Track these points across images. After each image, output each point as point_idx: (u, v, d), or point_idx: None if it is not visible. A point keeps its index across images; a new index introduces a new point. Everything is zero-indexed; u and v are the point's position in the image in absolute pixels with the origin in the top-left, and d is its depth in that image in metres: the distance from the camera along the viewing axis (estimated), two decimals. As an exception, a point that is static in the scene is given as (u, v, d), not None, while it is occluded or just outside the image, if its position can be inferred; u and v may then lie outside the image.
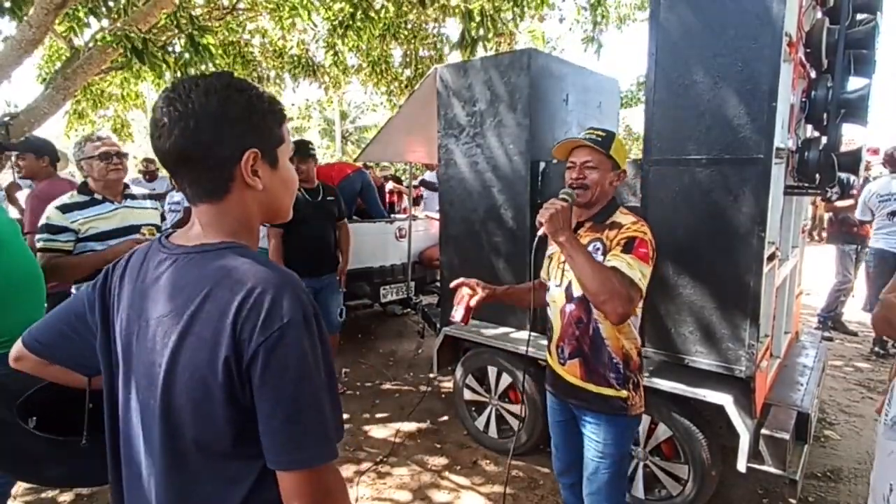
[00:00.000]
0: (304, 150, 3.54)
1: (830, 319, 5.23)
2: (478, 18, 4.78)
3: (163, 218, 2.59)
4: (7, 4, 3.53)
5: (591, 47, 5.94)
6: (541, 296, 1.90)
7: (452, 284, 1.84)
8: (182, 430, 0.77)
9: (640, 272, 1.54)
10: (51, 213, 2.17)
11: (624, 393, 1.69)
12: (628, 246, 1.58)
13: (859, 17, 2.43)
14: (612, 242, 1.63)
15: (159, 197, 6.03)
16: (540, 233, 1.61)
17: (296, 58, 7.56)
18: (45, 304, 1.87)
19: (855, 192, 4.71)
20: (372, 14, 5.72)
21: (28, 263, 1.78)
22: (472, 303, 1.79)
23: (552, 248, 1.85)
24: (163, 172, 7.28)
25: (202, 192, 0.82)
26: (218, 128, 0.78)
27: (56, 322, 0.97)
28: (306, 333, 0.74)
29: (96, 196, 2.26)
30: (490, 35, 4.92)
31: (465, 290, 1.82)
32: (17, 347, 0.97)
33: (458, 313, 1.80)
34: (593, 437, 1.74)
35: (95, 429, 1.02)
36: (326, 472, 0.76)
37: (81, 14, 4.95)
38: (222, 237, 0.83)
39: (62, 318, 0.96)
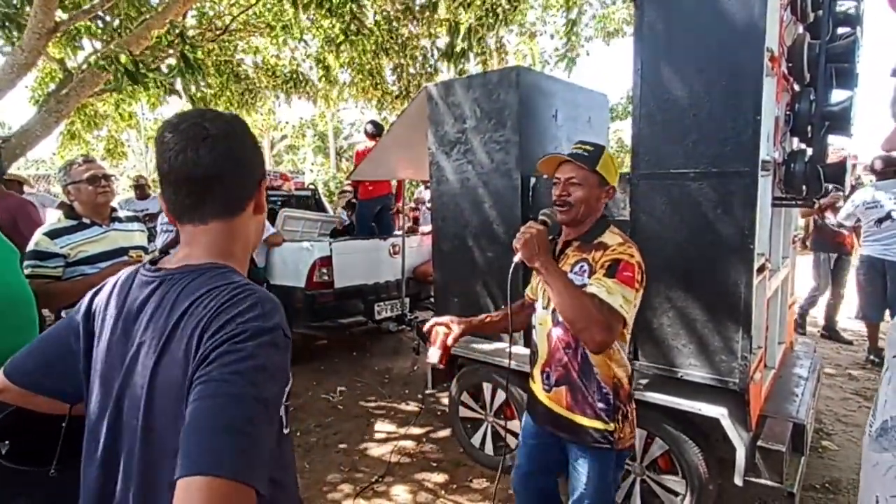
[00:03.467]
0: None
1: (801, 318, 5.35)
2: (463, 32, 4.89)
3: (152, 238, 2.57)
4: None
5: (563, 62, 6.10)
6: (522, 319, 1.88)
7: (426, 327, 1.78)
8: (162, 451, 0.76)
9: (621, 297, 1.46)
10: (39, 239, 2.14)
11: (612, 426, 1.60)
12: (612, 269, 1.51)
13: (840, 31, 2.47)
14: (597, 264, 1.57)
15: (151, 217, 6.04)
16: (516, 259, 1.57)
17: (288, 74, 7.63)
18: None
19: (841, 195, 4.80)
20: (364, 30, 5.80)
21: (7, 289, 1.73)
22: (450, 341, 1.71)
23: None
24: (154, 192, 7.27)
25: (220, 210, 0.86)
26: (251, 151, 0.88)
27: (38, 351, 0.95)
28: (269, 348, 0.73)
29: (84, 220, 2.24)
30: (475, 48, 5.02)
31: (440, 329, 1.73)
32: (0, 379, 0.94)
33: (433, 355, 1.71)
34: (579, 468, 1.65)
35: (66, 458, 1.00)
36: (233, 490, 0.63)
37: (75, 32, 4.98)
38: (208, 258, 0.84)
39: (45, 346, 0.95)
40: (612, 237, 1.63)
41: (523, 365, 2.22)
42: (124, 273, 0.92)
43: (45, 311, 2.56)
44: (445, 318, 1.77)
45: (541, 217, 1.63)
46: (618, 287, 1.48)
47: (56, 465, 1.01)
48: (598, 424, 1.61)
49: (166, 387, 0.75)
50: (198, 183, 0.83)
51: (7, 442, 1.08)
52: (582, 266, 1.61)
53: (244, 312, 0.74)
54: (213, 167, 0.82)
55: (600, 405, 1.60)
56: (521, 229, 1.57)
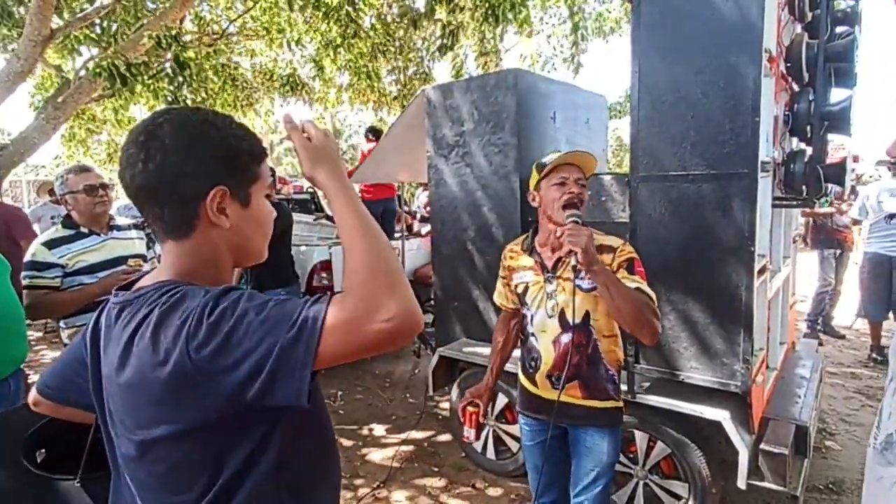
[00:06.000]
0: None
1: (818, 323, 5.28)
2: (452, 28, 4.92)
3: (150, 245, 2.56)
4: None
5: (572, 66, 6.07)
6: (513, 337, 1.99)
7: (460, 411, 1.94)
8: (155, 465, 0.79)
9: (651, 290, 1.58)
10: (36, 250, 2.13)
11: (621, 403, 1.75)
12: (630, 267, 1.60)
13: (838, 30, 2.46)
14: (611, 266, 1.60)
15: (151, 222, 6.02)
16: (573, 263, 1.52)
17: (285, 77, 7.62)
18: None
19: (834, 199, 4.78)
20: (361, 34, 5.80)
21: None
22: (482, 419, 1.92)
23: (521, 276, 1.80)
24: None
25: (167, 229, 0.81)
26: (185, 162, 0.76)
27: (62, 366, 0.99)
28: (220, 299, 0.70)
29: (82, 229, 2.22)
30: (473, 47, 5.02)
31: (470, 408, 1.91)
32: (33, 393, 1.01)
33: (470, 434, 1.91)
34: (595, 449, 1.73)
35: (90, 468, 1.03)
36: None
37: (74, 42, 4.98)
38: (168, 277, 0.80)
39: (67, 361, 0.98)
40: (607, 238, 1.68)
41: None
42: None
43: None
44: (467, 397, 1.93)
45: (572, 219, 1.54)
46: (643, 281, 1.58)
47: (81, 476, 1.03)
48: (611, 404, 1.73)
49: (134, 401, 0.76)
50: (136, 200, 0.79)
51: (43, 450, 1.11)
52: None
53: (189, 306, 0.71)
54: (138, 184, 0.77)
55: (609, 386, 1.73)
56: (569, 231, 1.49)
